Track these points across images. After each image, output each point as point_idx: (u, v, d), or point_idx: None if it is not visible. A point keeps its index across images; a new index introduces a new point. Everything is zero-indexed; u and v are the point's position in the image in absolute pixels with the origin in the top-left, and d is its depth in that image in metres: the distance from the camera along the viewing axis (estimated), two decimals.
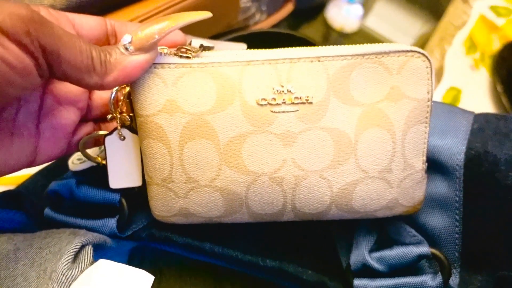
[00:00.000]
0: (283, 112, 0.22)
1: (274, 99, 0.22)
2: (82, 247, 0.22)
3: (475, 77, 0.51)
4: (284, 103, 0.22)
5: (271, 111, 0.22)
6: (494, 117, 0.26)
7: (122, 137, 0.24)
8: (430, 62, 0.22)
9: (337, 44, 0.58)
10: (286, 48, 0.22)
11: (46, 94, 0.22)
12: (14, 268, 0.21)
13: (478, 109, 0.48)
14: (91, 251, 0.22)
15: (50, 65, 0.17)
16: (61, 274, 0.20)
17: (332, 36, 0.55)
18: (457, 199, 0.25)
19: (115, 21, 0.24)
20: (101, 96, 0.25)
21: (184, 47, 0.22)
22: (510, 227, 0.23)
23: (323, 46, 0.23)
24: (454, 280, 0.25)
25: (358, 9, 0.54)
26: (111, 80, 0.20)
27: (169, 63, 0.22)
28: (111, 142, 0.24)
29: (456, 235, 0.25)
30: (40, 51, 0.17)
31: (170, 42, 0.24)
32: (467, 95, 0.48)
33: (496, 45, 0.55)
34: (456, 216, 0.25)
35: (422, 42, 0.59)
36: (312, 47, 0.22)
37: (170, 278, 0.30)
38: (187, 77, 0.22)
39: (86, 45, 0.19)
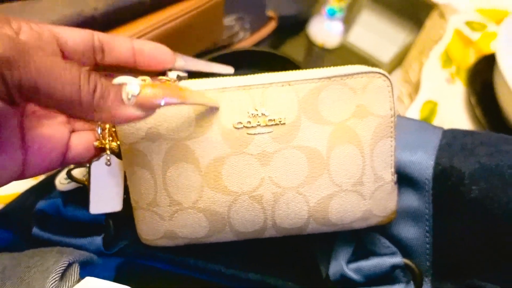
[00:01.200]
0: (259, 134, 0.23)
1: (250, 122, 0.23)
2: (69, 265, 0.22)
3: (451, 90, 0.53)
4: (259, 125, 0.23)
5: (247, 133, 0.23)
6: (461, 133, 0.28)
7: (108, 163, 0.25)
8: (390, 82, 0.24)
9: (320, 59, 0.60)
10: (258, 75, 0.24)
11: (25, 112, 0.22)
12: (1, 286, 0.22)
13: (454, 121, 0.50)
14: (78, 269, 0.22)
15: (28, 97, 0.16)
16: None
17: (314, 52, 0.57)
18: (427, 211, 0.26)
19: (103, 35, 0.23)
20: None
21: (163, 78, 0.23)
22: (477, 238, 0.25)
23: (293, 71, 0.24)
24: None
25: (338, 25, 0.56)
26: (96, 118, 0.18)
27: None
28: (97, 167, 0.25)
29: (427, 245, 0.26)
30: (16, 89, 0.16)
31: (159, 61, 0.24)
32: (444, 108, 0.50)
33: (471, 59, 0.57)
34: (426, 227, 0.26)
35: (406, 50, 0.61)
36: (283, 72, 0.24)
37: None
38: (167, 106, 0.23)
39: (75, 76, 0.17)
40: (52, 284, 0.21)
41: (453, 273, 0.26)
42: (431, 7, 0.66)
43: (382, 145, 0.24)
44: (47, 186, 0.30)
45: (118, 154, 0.25)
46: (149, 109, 0.19)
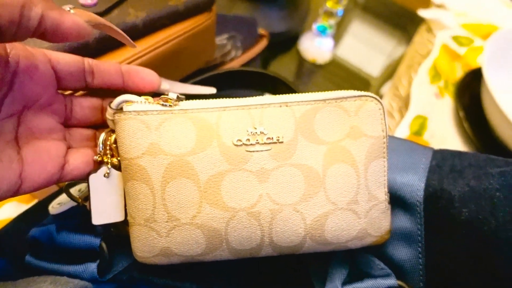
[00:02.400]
0: (257, 151, 0.24)
1: (249, 140, 0.24)
2: None
3: (440, 104, 0.54)
4: (258, 143, 0.24)
5: (246, 151, 0.24)
6: (450, 154, 0.29)
7: (107, 175, 0.25)
8: (382, 105, 0.25)
9: (311, 74, 0.61)
10: (257, 97, 0.25)
11: (20, 124, 0.22)
12: None
13: (444, 135, 0.51)
14: None
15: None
16: None
17: (306, 67, 0.58)
18: (419, 232, 0.27)
19: (93, 60, 0.25)
20: (81, 106, 0.26)
21: (165, 96, 0.24)
22: (468, 259, 0.25)
23: (290, 94, 0.25)
24: None
25: (329, 42, 0.57)
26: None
27: (152, 110, 0.23)
28: (95, 179, 0.25)
29: (420, 266, 0.27)
30: None
31: (146, 83, 0.26)
32: (433, 122, 0.51)
33: (459, 73, 0.58)
34: (419, 248, 0.27)
35: (395, 64, 0.62)
36: (279, 95, 0.25)
37: None
38: (169, 122, 0.23)
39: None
40: None
41: None
42: (419, 22, 0.67)
43: (376, 165, 0.25)
44: (39, 212, 0.30)
45: (118, 168, 0.25)
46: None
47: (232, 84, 0.40)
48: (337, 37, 0.63)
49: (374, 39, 0.67)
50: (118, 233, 0.27)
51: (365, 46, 0.65)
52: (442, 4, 0.68)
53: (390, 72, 0.62)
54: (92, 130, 0.27)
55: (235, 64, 0.46)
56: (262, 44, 0.50)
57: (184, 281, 0.27)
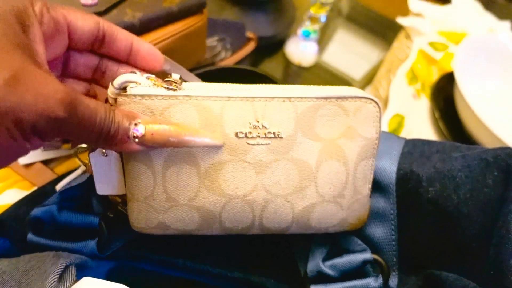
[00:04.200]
0: (258, 144, 0.25)
1: (251, 132, 0.24)
2: (66, 267, 0.24)
3: (416, 104, 0.57)
4: (259, 136, 0.25)
5: (247, 143, 0.25)
6: (420, 142, 0.32)
7: (105, 154, 0.26)
8: (380, 108, 0.26)
9: (297, 76, 0.64)
10: (261, 86, 0.26)
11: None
12: None
13: (420, 133, 0.54)
14: (74, 271, 0.24)
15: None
16: None
17: (291, 70, 0.61)
18: (392, 211, 0.29)
19: (109, 25, 0.24)
20: (76, 62, 0.25)
21: (170, 79, 0.24)
22: (434, 234, 0.28)
23: (293, 86, 0.26)
24: (393, 281, 0.29)
25: (313, 46, 0.60)
26: (104, 147, 0.22)
27: (157, 95, 0.23)
28: (95, 156, 0.26)
29: (393, 242, 0.29)
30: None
31: (151, 60, 0.26)
32: (410, 121, 0.54)
33: (434, 76, 0.62)
34: (392, 226, 0.29)
35: (376, 69, 0.66)
36: (283, 86, 0.26)
37: None
38: (174, 108, 0.24)
39: (102, 119, 0.20)
40: (51, 284, 0.22)
41: (416, 266, 0.29)
42: (398, 29, 0.71)
43: (365, 164, 0.27)
44: (39, 197, 0.32)
45: None
46: (150, 147, 0.22)
47: (223, 81, 0.42)
48: (322, 43, 0.67)
49: (356, 46, 0.71)
50: (116, 215, 0.29)
51: (348, 52, 0.69)
52: (419, 12, 0.73)
53: (371, 76, 0.65)
54: (83, 83, 0.27)
55: (224, 64, 0.48)
56: (251, 46, 0.53)
57: (178, 257, 0.29)
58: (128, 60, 0.26)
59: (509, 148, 0.26)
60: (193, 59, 0.44)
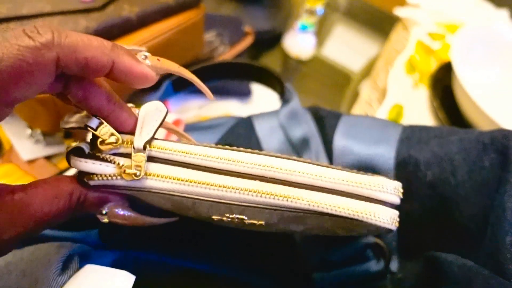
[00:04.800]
0: (237, 222, 0.22)
1: (228, 219, 0.21)
2: (69, 257, 0.24)
3: (415, 94, 0.57)
4: (237, 222, 0.22)
5: (226, 221, 0.22)
6: (418, 128, 0.32)
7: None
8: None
9: (294, 71, 0.64)
10: (244, 182, 0.20)
11: None
12: (7, 279, 0.23)
13: (419, 123, 0.54)
14: (78, 260, 0.24)
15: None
16: (52, 280, 0.22)
17: (290, 64, 0.61)
18: None
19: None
20: None
21: (127, 169, 0.19)
22: (432, 217, 0.28)
23: (285, 188, 0.20)
24: (393, 265, 0.29)
25: (311, 38, 0.61)
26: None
27: (121, 186, 0.20)
28: None
29: None
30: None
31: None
32: (409, 111, 0.54)
33: (433, 66, 0.62)
34: None
35: (374, 61, 0.66)
36: (272, 187, 0.20)
37: (148, 285, 0.33)
38: (141, 195, 0.21)
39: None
40: (54, 273, 0.22)
41: (416, 250, 0.29)
42: (396, 22, 0.71)
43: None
44: None
45: None
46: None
47: (221, 75, 0.43)
48: (320, 37, 0.67)
49: (354, 39, 0.71)
50: None
51: (346, 45, 0.69)
52: (417, 4, 0.73)
53: (369, 68, 0.65)
54: None
55: (222, 59, 0.49)
56: (248, 40, 0.53)
57: (181, 246, 0.29)
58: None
59: (506, 130, 0.27)
60: (191, 54, 0.45)
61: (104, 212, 0.21)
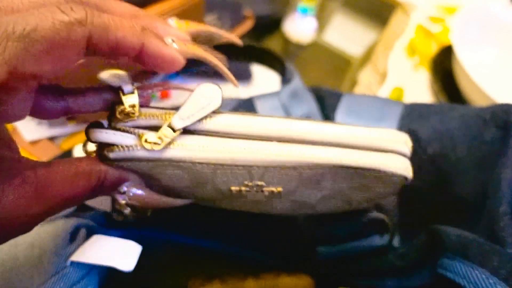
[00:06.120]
0: (256, 192, 0.22)
1: (247, 188, 0.21)
2: (76, 229, 0.24)
3: (416, 77, 0.58)
4: (256, 191, 0.22)
5: (243, 192, 0.22)
6: (419, 105, 0.32)
7: None
8: (403, 180, 0.22)
9: (295, 56, 0.63)
10: (261, 146, 0.20)
11: None
12: (14, 251, 0.23)
13: None
14: (85, 232, 0.24)
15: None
16: (61, 249, 0.22)
17: (290, 48, 0.61)
18: None
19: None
20: None
21: (151, 141, 0.19)
22: (432, 192, 0.28)
23: (302, 146, 0.20)
24: (396, 240, 0.30)
25: (311, 22, 0.60)
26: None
27: (140, 158, 0.20)
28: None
29: (393, 203, 0.30)
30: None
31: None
32: (409, 94, 0.55)
33: (433, 49, 0.62)
34: None
35: (370, 50, 0.66)
36: (289, 147, 0.20)
37: (154, 262, 0.33)
38: (159, 169, 0.20)
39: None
40: (63, 243, 0.22)
41: (417, 226, 0.30)
42: (395, 7, 0.71)
43: (379, 200, 0.24)
44: None
45: None
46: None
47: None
48: (320, 23, 0.67)
49: (354, 25, 0.71)
50: None
51: (346, 31, 0.69)
52: None
53: (369, 54, 0.65)
54: None
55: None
56: (248, 25, 0.53)
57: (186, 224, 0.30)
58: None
59: (506, 104, 0.27)
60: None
61: (122, 191, 0.21)
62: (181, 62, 0.19)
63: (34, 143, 0.35)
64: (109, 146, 0.19)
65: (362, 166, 0.20)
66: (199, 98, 0.20)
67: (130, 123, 0.20)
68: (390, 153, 0.21)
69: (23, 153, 0.37)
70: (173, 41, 0.19)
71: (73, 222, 0.24)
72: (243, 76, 0.49)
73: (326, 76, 0.61)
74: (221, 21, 0.50)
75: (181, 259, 0.33)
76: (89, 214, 0.28)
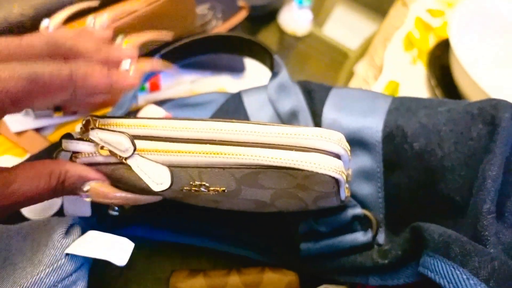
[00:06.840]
0: (205, 192, 0.23)
1: (194, 188, 0.23)
2: (71, 226, 0.24)
3: (412, 71, 0.57)
4: (203, 191, 0.23)
5: (194, 191, 0.23)
6: (408, 99, 0.32)
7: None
8: (335, 179, 0.21)
9: (290, 48, 0.62)
10: (191, 148, 0.21)
11: None
12: (7, 244, 0.23)
13: None
14: (80, 229, 0.24)
15: None
16: (57, 241, 0.22)
17: (285, 41, 0.60)
18: (378, 169, 0.30)
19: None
20: None
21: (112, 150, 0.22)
22: (418, 189, 0.28)
23: (226, 148, 0.21)
24: (380, 237, 0.30)
25: (307, 13, 0.59)
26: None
27: (107, 163, 0.22)
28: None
29: (380, 199, 0.30)
30: None
31: None
32: (405, 88, 0.54)
33: (431, 43, 0.61)
34: (378, 184, 0.30)
35: (368, 42, 0.65)
36: (215, 148, 0.21)
37: (139, 260, 0.33)
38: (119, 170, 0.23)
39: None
40: (59, 235, 0.23)
41: (402, 222, 0.29)
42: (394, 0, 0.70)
43: (326, 201, 0.25)
44: None
45: None
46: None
47: (211, 49, 0.42)
48: (317, 15, 0.65)
49: (352, 17, 0.70)
50: None
51: (343, 23, 0.68)
52: None
53: (367, 47, 0.64)
54: None
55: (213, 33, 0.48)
56: (242, 15, 0.52)
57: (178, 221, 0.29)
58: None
59: (494, 99, 0.26)
60: (182, 26, 0.44)
61: (85, 189, 0.23)
62: (136, 83, 0.23)
63: (20, 134, 0.35)
64: (75, 153, 0.23)
65: (285, 166, 0.20)
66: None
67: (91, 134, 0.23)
68: (313, 152, 0.20)
69: (9, 144, 0.36)
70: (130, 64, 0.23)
71: (67, 219, 0.24)
72: (236, 68, 0.48)
73: (322, 68, 0.60)
74: (214, 10, 0.50)
75: (165, 255, 0.33)
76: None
